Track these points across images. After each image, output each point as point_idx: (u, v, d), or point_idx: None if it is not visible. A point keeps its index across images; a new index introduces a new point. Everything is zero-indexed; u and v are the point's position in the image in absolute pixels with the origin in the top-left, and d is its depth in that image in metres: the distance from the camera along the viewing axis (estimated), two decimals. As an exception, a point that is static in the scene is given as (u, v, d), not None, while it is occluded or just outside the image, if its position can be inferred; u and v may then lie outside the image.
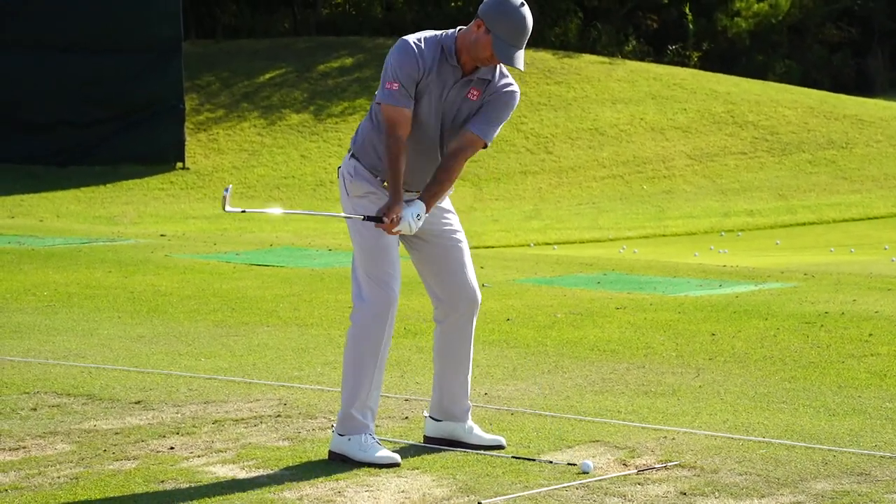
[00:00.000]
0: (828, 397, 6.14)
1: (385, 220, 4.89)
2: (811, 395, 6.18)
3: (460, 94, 4.97)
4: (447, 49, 4.93)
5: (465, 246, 5.19)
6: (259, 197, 22.77)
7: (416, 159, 4.99)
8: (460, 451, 5.13)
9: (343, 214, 5.00)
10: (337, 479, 4.78)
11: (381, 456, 4.93)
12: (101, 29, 23.18)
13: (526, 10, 4.90)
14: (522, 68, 4.92)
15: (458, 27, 5.03)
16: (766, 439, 5.33)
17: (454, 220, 5.21)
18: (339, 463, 4.96)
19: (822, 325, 8.04)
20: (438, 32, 5.01)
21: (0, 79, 23.00)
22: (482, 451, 5.14)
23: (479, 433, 5.19)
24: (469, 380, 5.23)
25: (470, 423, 5.21)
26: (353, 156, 5.06)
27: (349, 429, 4.97)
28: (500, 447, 5.15)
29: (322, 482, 4.76)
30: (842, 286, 9.91)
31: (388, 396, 6.07)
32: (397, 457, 4.95)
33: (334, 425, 5.07)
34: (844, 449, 5.18)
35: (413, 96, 4.90)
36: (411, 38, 4.94)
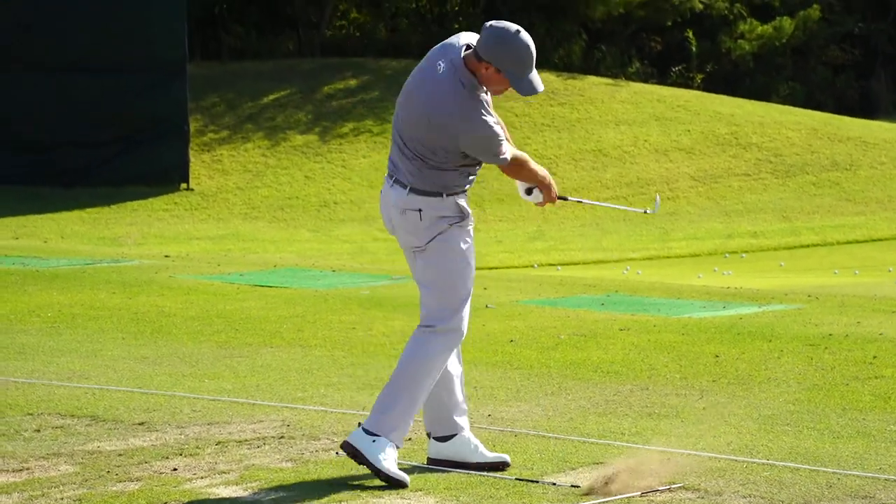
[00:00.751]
0: (832, 420, 6.13)
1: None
2: (815, 418, 6.17)
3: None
4: (475, 87, 4.93)
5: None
6: (263, 218, 22.79)
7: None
8: (464, 473, 5.13)
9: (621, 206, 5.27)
10: (340, 501, 4.78)
11: (395, 472, 4.91)
12: (107, 50, 23.27)
13: (525, 36, 4.89)
14: (543, 88, 5.00)
15: (464, 45, 4.95)
16: (770, 462, 5.32)
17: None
18: (339, 476, 4.93)
19: (826, 348, 8.03)
20: (456, 80, 4.89)
21: (6, 99, 23.08)
22: (485, 473, 5.14)
23: (484, 451, 5.19)
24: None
25: (474, 440, 5.19)
26: (444, 194, 5.00)
27: (384, 430, 4.93)
28: (504, 464, 5.14)
29: (325, 503, 4.75)
30: (846, 308, 9.90)
31: (391, 418, 6.07)
32: (407, 479, 4.92)
33: (364, 423, 4.99)
34: (849, 472, 5.17)
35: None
36: (481, 110, 4.91)
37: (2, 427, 5.89)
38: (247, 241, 20.58)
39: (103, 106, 23.27)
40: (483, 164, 5.11)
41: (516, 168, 5.09)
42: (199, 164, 24.52)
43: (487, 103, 4.98)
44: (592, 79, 29.27)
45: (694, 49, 33.50)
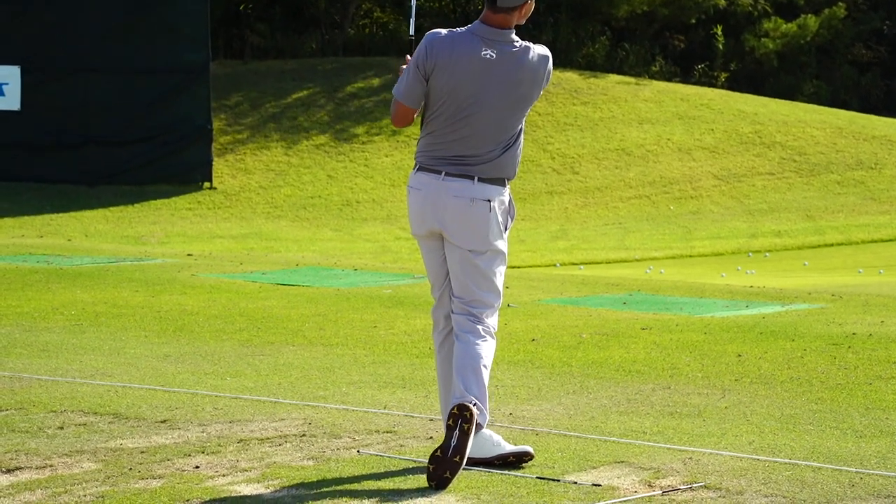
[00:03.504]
0: (855, 419, 6.10)
1: None
2: (838, 417, 6.14)
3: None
4: (480, 30, 5.15)
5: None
6: (285, 217, 22.84)
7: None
8: (485, 471, 5.12)
9: None
10: (361, 500, 4.78)
11: (509, 448, 5.12)
12: (131, 51, 23.37)
13: None
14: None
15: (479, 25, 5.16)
16: (793, 461, 5.30)
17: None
18: (360, 474, 4.93)
19: (849, 347, 7.99)
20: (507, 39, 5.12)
21: (31, 100, 23.20)
22: (507, 472, 5.13)
23: (505, 444, 5.19)
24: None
25: (496, 436, 5.19)
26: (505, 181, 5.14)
27: (484, 419, 5.08)
28: (527, 454, 5.15)
29: (346, 501, 4.76)
30: (870, 308, 9.85)
31: (412, 416, 6.07)
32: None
33: (479, 421, 5.07)
34: (872, 471, 5.14)
35: None
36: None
37: (25, 424, 5.92)
38: (269, 240, 20.62)
39: (127, 106, 23.38)
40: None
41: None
42: (222, 163, 24.59)
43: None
44: (616, 77, 29.22)
45: (720, 46, 33.36)
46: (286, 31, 30.39)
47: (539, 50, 5.13)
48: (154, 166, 23.51)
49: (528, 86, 5.09)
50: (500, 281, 5.19)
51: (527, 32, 30.88)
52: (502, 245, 5.17)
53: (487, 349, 5.11)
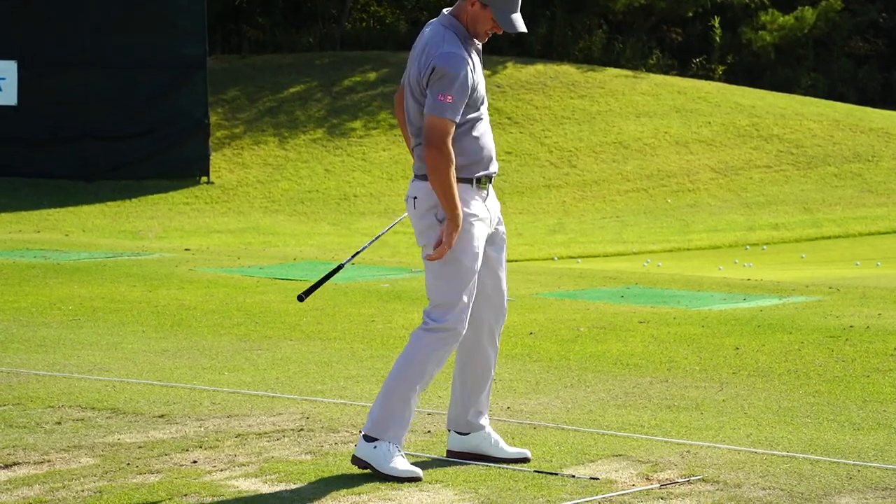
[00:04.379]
0: (852, 412, 6.11)
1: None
2: (836, 410, 6.14)
3: (480, 66, 5.07)
4: (462, 34, 4.95)
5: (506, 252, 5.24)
6: (283, 211, 22.82)
7: (489, 147, 5.03)
8: (483, 465, 5.13)
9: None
10: (359, 494, 4.78)
11: (404, 469, 4.91)
12: (128, 45, 23.33)
13: None
14: (526, 30, 5.00)
15: (446, 9, 5.03)
16: (790, 454, 5.30)
17: (502, 223, 5.22)
18: (360, 472, 4.95)
19: (847, 340, 8.00)
20: (443, 25, 4.94)
21: (28, 95, 23.16)
22: (505, 466, 5.13)
23: (504, 446, 5.18)
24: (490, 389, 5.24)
25: (495, 435, 5.19)
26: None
27: (381, 433, 4.92)
28: (525, 460, 5.14)
29: (344, 496, 4.76)
30: (867, 300, 9.85)
31: (410, 410, 6.07)
32: (419, 471, 4.93)
33: (363, 429, 5.03)
34: (869, 464, 5.15)
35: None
36: (451, 48, 4.87)
37: (23, 419, 5.92)
38: (267, 234, 20.61)
39: (124, 100, 23.35)
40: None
41: (438, 150, 4.80)
42: (219, 157, 24.58)
43: (470, 50, 4.94)
44: (613, 71, 29.20)
45: (718, 39, 33.33)
46: (284, 25, 30.36)
47: (442, 47, 4.89)
48: (152, 161, 23.49)
49: (418, 72, 4.93)
50: (448, 280, 4.92)
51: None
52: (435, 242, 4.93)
53: (411, 351, 4.95)
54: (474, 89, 4.93)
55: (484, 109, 5.02)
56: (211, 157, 23.94)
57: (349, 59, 28.55)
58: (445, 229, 4.87)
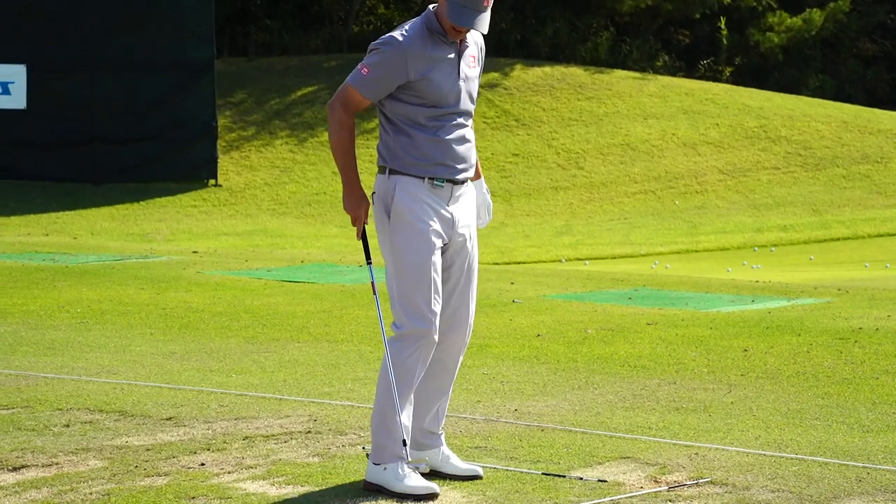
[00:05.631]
0: (862, 414, 6.09)
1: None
2: (845, 412, 6.13)
3: (468, 66, 4.88)
4: (434, 27, 4.81)
5: (476, 267, 5.01)
6: (291, 213, 22.84)
7: (469, 145, 4.87)
8: (490, 468, 5.12)
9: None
10: (366, 497, 4.78)
11: (419, 486, 4.76)
12: (136, 48, 23.37)
13: None
14: (485, 31, 4.78)
15: (432, 5, 4.91)
16: (799, 456, 5.29)
17: (475, 236, 5.02)
18: (375, 493, 4.83)
19: (855, 341, 7.98)
20: (421, 15, 4.89)
21: (37, 98, 23.21)
22: (512, 468, 5.12)
23: (456, 462, 5.01)
24: (446, 408, 5.04)
25: (446, 450, 5.01)
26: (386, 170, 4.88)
27: (382, 458, 4.82)
28: (476, 477, 4.96)
29: (352, 499, 4.76)
30: (876, 302, 9.83)
31: (418, 413, 6.06)
32: (435, 486, 4.78)
33: (369, 454, 4.92)
34: (879, 466, 5.13)
35: (384, 90, 4.79)
36: (397, 35, 4.80)
37: (31, 422, 5.92)
38: (274, 236, 20.62)
39: (132, 103, 23.38)
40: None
41: (332, 110, 4.81)
42: (227, 160, 24.61)
43: (434, 44, 4.77)
44: (620, 72, 29.18)
45: (725, 40, 33.31)
46: (292, 28, 30.39)
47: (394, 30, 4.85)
48: (159, 164, 23.53)
49: None
50: (399, 280, 4.78)
51: (529, 28, 30.89)
52: (385, 241, 4.83)
53: (382, 367, 4.82)
54: (439, 94, 4.76)
55: (459, 115, 4.82)
56: (218, 160, 23.97)
57: (356, 62, 28.51)
58: (344, 202, 4.90)
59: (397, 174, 4.87)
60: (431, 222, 4.82)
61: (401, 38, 4.78)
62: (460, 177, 4.87)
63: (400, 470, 4.79)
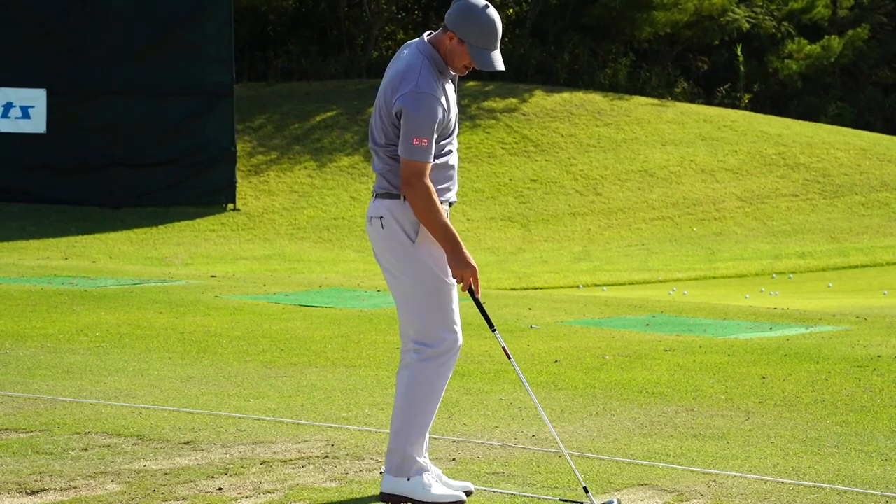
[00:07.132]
0: (880, 442, 6.06)
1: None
2: (863, 440, 6.10)
3: (454, 95, 5.05)
4: (439, 65, 4.92)
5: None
6: (309, 238, 22.89)
7: (455, 173, 5.06)
8: (508, 493, 5.11)
9: None
10: (384, 521, 4.77)
11: (446, 494, 4.87)
12: (156, 73, 23.52)
13: (492, 12, 4.89)
14: (503, 68, 4.95)
15: (427, 33, 5.00)
16: (818, 484, 5.27)
17: None
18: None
19: (874, 369, 7.95)
20: (421, 52, 4.92)
21: (56, 122, 23.36)
22: (530, 494, 5.12)
23: (435, 491, 4.96)
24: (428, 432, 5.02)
25: (428, 479, 4.97)
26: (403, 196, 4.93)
27: (410, 470, 4.89)
28: (460, 502, 4.94)
29: (369, 524, 4.75)
30: (895, 330, 9.79)
31: (435, 438, 6.06)
32: (462, 494, 4.89)
33: (385, 467, 4.97)
34: (897, 495, 5.11)
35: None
36: (423, 86, 4.83)
37: (49, 446, 5.94)
38: (292, 261, 20.66)
39: (152, 128, 23.52)
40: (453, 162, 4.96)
41: (418, 190, 4.82)
42: (245, 185, 24.69)
43: (444, 84, 4.90)
44: (638, 99, 29.21)
45: (742, 67, 33.33)
46: (311, 53, 30.53)
47: (416, 83, 4.85)
48: (178, 188, 23.64)
49: (387, 98, 4.93)
50: (438, 303, 4.88)
51: (549, 54, 30.96)
52: (410, 264, 4.89)
53: (415, 386, 4.86)
54: (447, 124, 4.92)
55: (453, 138, 5.00)
56: (237, 185, 24.06)
57: (375, 87, 28.65)
58: (451, 263, 4.85)
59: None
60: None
61: (432, 92, 4.85)
62: (455, 199, 5.11)
63: (423, 481, 4.88)
